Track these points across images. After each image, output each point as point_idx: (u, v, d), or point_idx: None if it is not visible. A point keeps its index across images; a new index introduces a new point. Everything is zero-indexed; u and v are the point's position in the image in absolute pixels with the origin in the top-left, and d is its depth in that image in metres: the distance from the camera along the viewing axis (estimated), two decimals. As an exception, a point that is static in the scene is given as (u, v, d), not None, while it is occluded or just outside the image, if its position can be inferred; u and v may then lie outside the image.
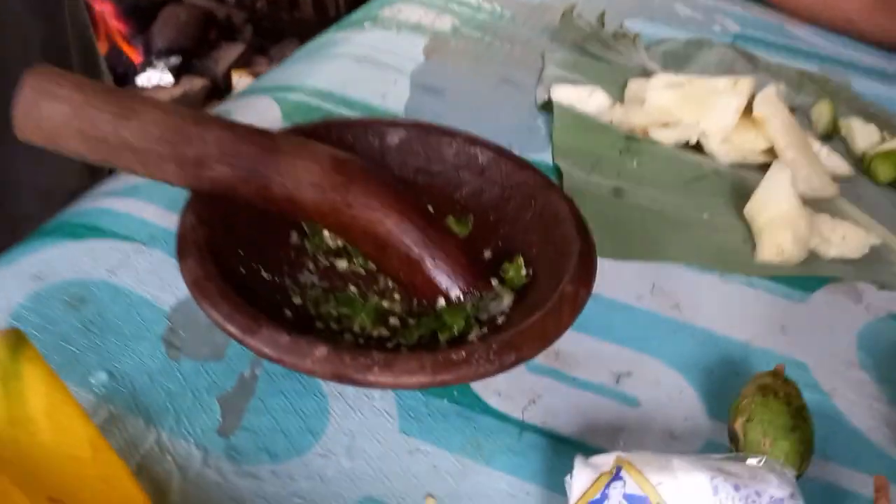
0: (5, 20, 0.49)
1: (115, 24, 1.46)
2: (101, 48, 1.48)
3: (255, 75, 1.53)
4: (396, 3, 0.63)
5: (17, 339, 0.23)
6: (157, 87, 1.43)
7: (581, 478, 0.24)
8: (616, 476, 0.23)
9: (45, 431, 0.22)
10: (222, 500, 0.25)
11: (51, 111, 0.29)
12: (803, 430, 0.27)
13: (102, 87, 0.29)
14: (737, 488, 0.22)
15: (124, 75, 1.43)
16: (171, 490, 0.25)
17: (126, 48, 1.46)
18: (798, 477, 0.27)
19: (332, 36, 0.59)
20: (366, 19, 0.60)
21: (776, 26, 0.76)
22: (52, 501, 0.21)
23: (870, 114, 0.58)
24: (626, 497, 0.23)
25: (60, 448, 0.22)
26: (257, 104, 0.46)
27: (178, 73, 1.45)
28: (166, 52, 1.45)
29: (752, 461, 0.25)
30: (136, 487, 0.22)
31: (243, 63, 1.55)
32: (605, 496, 0.23)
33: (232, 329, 0.26)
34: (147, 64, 1.44)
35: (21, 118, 0.29)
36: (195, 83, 1.45)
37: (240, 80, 1.49)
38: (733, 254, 0.40)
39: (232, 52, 1.55)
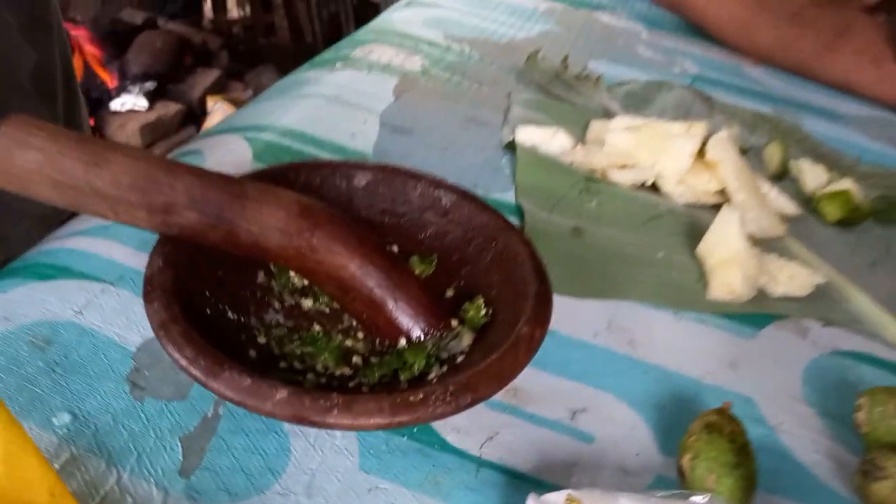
0: (1, 48, 0.50)
1: (91, 49, 1.47)
2: (77, 73, 1.49)
3: (231, 101, 1.55)
4: (368, 43, 0.65)
5: (-19, 384, 0.23)
6: (132, 112, 1.43)
7: (532, 515, 0.25)
8: (565, 514, 0.25)
9: (2, 478, 0.22)
10: (183, 541, 0.25)
11: (24, 160, 0.29)
12: (747, 466, 0.29)
13: (76, 135, 0.30)
14: (677, 525, 0.24)
15: (99, 100, 1.43)
16: (132, 531, 0.25)
17: (101, 73, 1.47)
18: (741, 512, 0.29)
19: (303, 75, 0.60)
20: (337, 59, 0.62)
21: (733, 67, 0.79)
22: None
23: (819, 154, 0.61)
24: (574, 535, 0.24)
25: (17, 495, 0.22)
26: (229, 143, 0.47)
27: (152, 98, 1.45)
28: (141, 77, 1.46)
29: (696, 499, 0.26)
30: (96, 531, 0.23)
31: (218, 88, 1.56)
32: (554, 534, 0.24)
33: (195, 372, 0.27)
34: (122, 89, 1.44)
35: (-7, 163, 0.29)
36: (170, 108, 1.45)
37: (214, 105, 1.50)
38: (686, 292, 0.42)
39: (207, 77, 1.56)
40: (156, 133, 1.36)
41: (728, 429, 0.30)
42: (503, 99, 0.60)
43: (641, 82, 0.68)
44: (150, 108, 1.42)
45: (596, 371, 0.36)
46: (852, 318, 0.42)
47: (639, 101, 0.64)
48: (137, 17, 1.61)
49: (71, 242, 0.36)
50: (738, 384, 0.36)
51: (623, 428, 0.33)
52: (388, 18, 0.73)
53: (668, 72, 0.74)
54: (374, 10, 2.07)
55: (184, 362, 0.27)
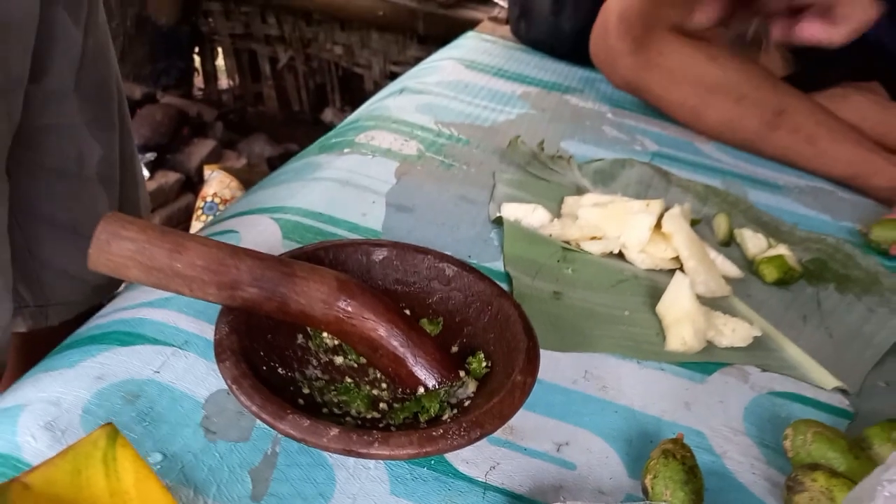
0: (69, 135, 0.58)
1: (93, 124, 1.55)
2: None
3: (226, 169, 1.63)
4: (369, 129, 0.74)
5: (112, 430, 0.31)
6: (132, 182, 1.51)
7: (530, 522, 0.33)
8: (555, 519, 0.32)
9: (134, 500, 0.30)
10: (258, 550, 0.32)
11: (119, 248, 0.37)
12: (694, 483, 0.37)
13: (159, 227, 0.38)
14: (639, 523, 0.31)
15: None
16: (219, 543, 0.32)
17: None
18: (692, 519, 0.36)
19: (315, 159, 0.69)
20: (344, 145, 0.71)
21: (687, 144, 0.90)
22: (141, 551, 0.28)
23: (761, 222, 0.71)
24: (563, 534, 0.32)
25: (146, 512, 0.29)
26: (259, 223, 0.55)
27: (153, 168, 1.53)
28: (142, 149, 1.54)
29: (655, 506, 0.34)
30: (201, 539, 0.30)
31: (214, 158, 1.65)
32: (547, 534, 0.32)
33: (265, 417, 0.34)
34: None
35: (94, 254, 0.37)
36: (170, 177, 1.53)
37: (211, 174, 1.58)
38: (648, 344, 0.50)
39: (203, 147, 1.66)
40: (157, 201, 1.44)
41: (680, 454, 0.38)
42: (489, 178, 0.69)
43: (608, 161, 0.78)
44: (151, 177, 1.50)
45: (575, 411, 0.43)
46: (785, 365, 0.51)
47: (606, 178, 0.74)
48: (136, 92, 1.71)
49: (141, 313, 0.44)
50: (691, 420, 0.44)
51: (599, 457, 0.41)
52: (385, 105, 0.83)
53: (631, 149, 0.84)
54: (359, 81, 2.20)
55: (255, 409, 0.34)
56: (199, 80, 2.35)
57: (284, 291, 0.39)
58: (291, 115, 2.13)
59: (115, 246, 0.37)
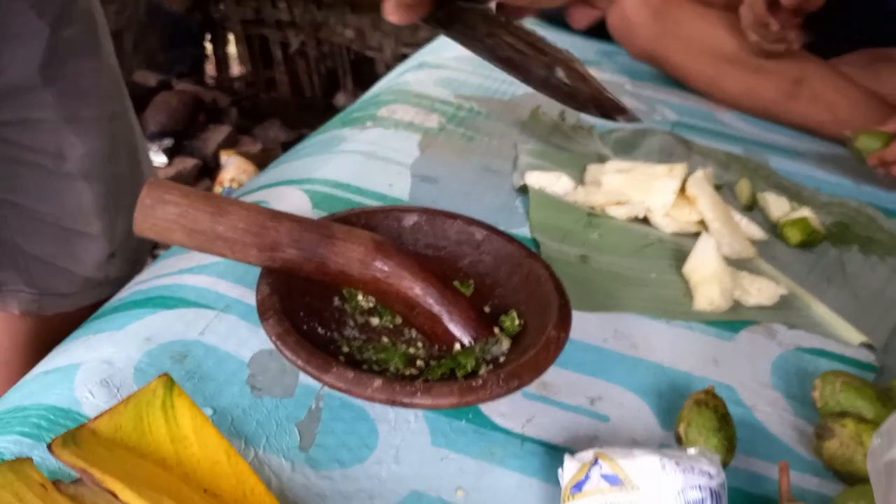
0: (44, 130, 0.57)
1: (111, 111, 1.57)
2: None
3: (242, 154, 1.65)
4: (390, 104, 0.75)
5: (168, 380, 0.32)
6: (151, 168, 1.52)
7: (570, 467, 0.34)
8: (594, 463, 0.33)
9: (195, 445, 0.31)
10: (309, 496, 0.34)
11: (164, 213, 0.38)
12: (727, 430, 0.38)
13: (202, 193, 0.39)
14: (678, 464, 0.32)
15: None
16: (272, 489, 0.33)
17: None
18: (725, 465, 0.37)
19: (338, 132, 0.70)
20: (366, 118, 0.72)
21: (707, 113, 0.90)
22: (205, 492, 0.30)
23: (783, 187, 0.72)
24: (603, 476, 0.33)
25: (206, 456, 0.31)
26: (289, 195, 0.57)
27: (170, 154, 1.55)
28: (159, 135, 1.56)
29: (690, 450, 0.35)
30: (258, 481, 0.31)
31: (230, 143, 1.67)
32: (587, 477, 0.33)
33: (311, 370, 0.35)
34: (141, 147, 1.54)
35: (140, 219, 0.38)
36: (187, 163, 1.55)
37: (228, 159, 1.60)
38: (676, 304, 0.51)
39: (219, 133, 1.67)
40: (176, 185, 1.45)
41: (712, 403, 0.39)
42: (511, 149, 0.70)
43: (628, 130, 0.78)
44: (169, 163, 1.52)
45: (607, 368, 0.44)
46: (812, 322, 0.51)
47: (627, 147, 0.75)
48: (151, 79, 1.72)
49: (182, 279, 0.45)
50: (720, 375, 0.45)
51: (631, 410, 0.42)
52: (405, 80, 0.83)
53: (650, 119, 0.85)
54: (370, 65, 2.21)
55: (301, 363, 0.36)
56: (210, 68, 2.36)
57: (323, 252, 0.40)
58: (304, 100, 2.13)
59: (159, 210, 0.39)
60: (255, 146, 1.69)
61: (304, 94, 2.24)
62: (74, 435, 0.28)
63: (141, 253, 0.70)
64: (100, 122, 0.61)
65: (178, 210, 0.39)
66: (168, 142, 1.54)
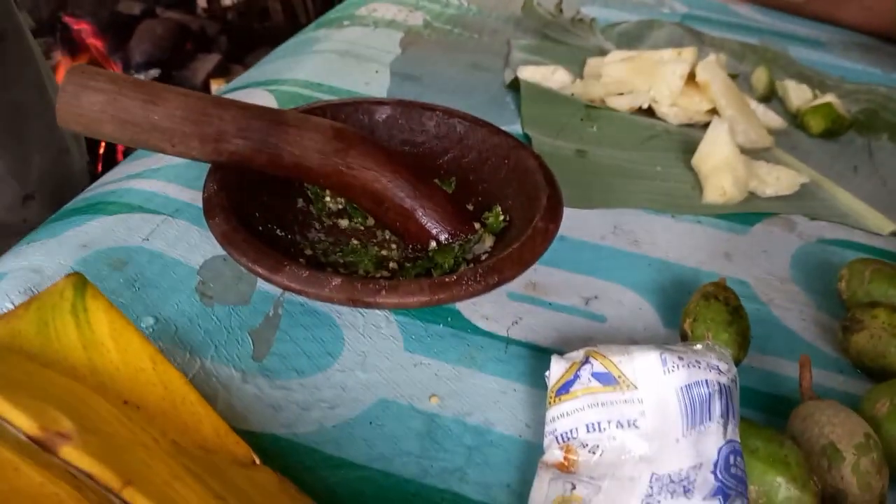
0: None
1: (94, 42, 1.50)
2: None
3: (233, 85, 1.58)
4: (371, 2, 0.68)
5: (80, 280, 0.28)
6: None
7: (557, 368, 0.30)
8: (585, 362, 0.29)
9: (113, 351, 0.27)
10: (261, 407, 0.30)
11: (89, 101, 0.33)
12: (739, 324, 0.33)
13: (132, 79, 0.34)
14: (681, 359, 0.28)
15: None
16: (217, 401, 0.29)
17: (106, 64, 1.50)
18: (738, 362, 0.33)
19: (312, 34, 0.64)
20: (343, 18, 0.65)
21: (720, 5, 0.83)
22: (125, 404, 0.26)
23: (805, 76, 0.65)
24: (594, 374, 0.28)
25: (127, 363, 0.27)
26: (254, 96, 0.51)
27: (158, 86, 1.48)
28: (145, 66, 1.49)
29: (697, 346, 0.30)
30: (191, 390, 0.27)
31: (221, 72, 1.59)
32: (577, 376, 0.28)
33: (260, 270, 0.31)
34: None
35: (63, 109, 0.33)
36: (150, 79, 1.48)
37: (219, 88, 1.53)
38: (683, 198, 0.46)
39: (208, 62, 1.59)
40: (165, 117, 1.39)
41: (723, 295, 0.34)
42: (503, 46, 0.64)
43: (633, 22, 0.71)
44: (157, 94, 1.45)
45: (604, 266, 0.40)
46: (837, 213, 0.46)
47: (631, 40, 0.68)
48: (135, 8, 1.64)
49: (128, 184, 0.41)
50: (732, 270, 0.41)
51: (630, 309, 0.37)
52: (388, -21, 0.76)
53: (658, 12, 0.77)
54: (366, -14, 2.09)
55: (248, 263, 0.31)
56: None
57: (275, 142, 0.35)
58: (298, 27, 2.03)
59: (83, 99, 0.33)
60: (247, 76, 1.62)
61: (298, 22, 2.14)
62: (-37, 341, 0.24)
63: (67, 196, 0.65)
64: None
65: (105, 97, 0.33)
66: (154, 72, 1.47)
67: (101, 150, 1.34)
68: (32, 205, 0.62)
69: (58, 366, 0.25)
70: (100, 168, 1.34)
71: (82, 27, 1.50)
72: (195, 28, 1.66)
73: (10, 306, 0.31)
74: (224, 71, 1.59)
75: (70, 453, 0.20)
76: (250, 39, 1.75)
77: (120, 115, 0.34)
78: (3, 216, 0.61)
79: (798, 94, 0.58)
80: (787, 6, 0.82)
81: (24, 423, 0.21)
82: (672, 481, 0.25)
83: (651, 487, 0.25)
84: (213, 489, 0.22)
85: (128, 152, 1.40)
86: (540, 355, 0.34)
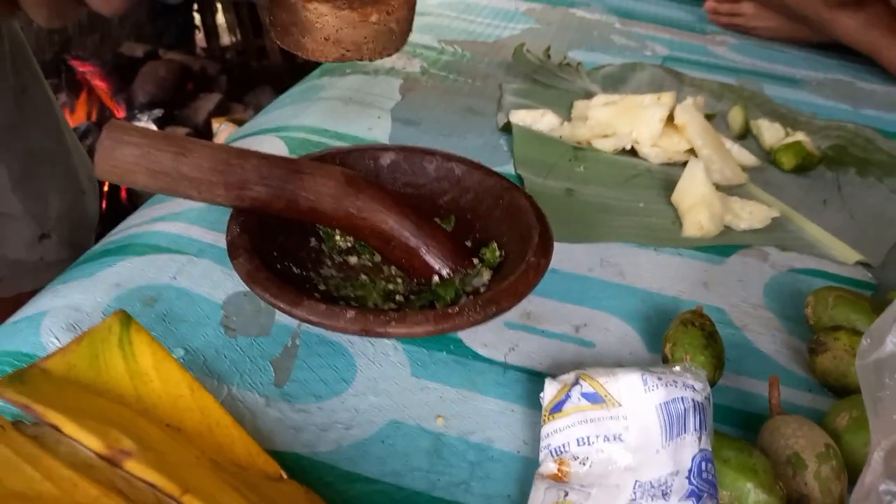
0: None
1: (99, 83, 1.55)
2: (89, 108, 1.56)
3: (234, 122, 1.63)
4: (371, 49, 0.73)
5: (125, 316, 0.31)
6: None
7: (550, 389, 0.33)
8: (575, 383, 0.32)
9: (155, 380, 0.30)
10: (284, 429, 0.33)
11: (124, 154, 0.37)
12: (714, 347, 0.37)
13: (163, 133, 0.38)
14: (660, 379, 0.31)
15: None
16: (245, 424, 0.33)
17: (110, 105, 1.55)
18: (713, 383, 0.36)
19: (317, 81, 0.68)
20: (346, 66, 0.70)
21: (700, 47, 0.88)
22: (167, 427, 0.29)
23: (778, 114, 0.69)
24: (583, 394, 0.32)
25: (167, 391, 0.30)
26: (265, 142, 0.55)
27: (161, 124, 1.53)
28: (148, 106, 1.54)
29: (675, 368, 0.34)
30: (224, 414, 0.30)
31: (221, 111, 1.65)
32: (568, 396, 0.32)
33: (282, 304, 0.34)
34: (131, 118, 1.52)
35: (101, 162, 0.37)
36: (179, 132, 1.53)
37: (220, 126, 1.58)
38: (665, 232, 0.50)
39: (209, 101, 1.65)
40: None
41: (699, 322, 0.37)
42: (495, 90, 0.68)
43: (617, 65, 0.76)
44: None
45: (592, 296, 0.43)
46: (806, 244, 0.50)
47: (616, 82, 0.72)
48: (138, 50, 1.69)
49: (155, 227, 0.44)
50: (710, 298, 0.44)
51: (617, 335, 0.41)
52: (386, 28, 0.81)
53: (641, 55, 0.82)
54: (361, 25, 2.16)
55: (271, 298, 0.35)
56: (200, 39, 2.32)
57: (292, 188, 0.39)
58: (295, 66, 2.10)
59: (119, 152, 0.37)
60: (246, 113, 1.67)
61: (295, 61, 2.20)
62: (22, 374, 0.27)
63: (82, 235, 0.69)
64: (5, 95, 0.60)
65: (139, 151, 0.37)
66: (158, 112, 1.52)
67: (106, 189, 1.38)
68: (48, 243, 0.65)
69: (108, 394, 0.28)
70: (104, 206, 1.38)
71: (88, 69, 1.55)
72: (196, 68, 1.71)
73: (55, 341, 0.35)
74: (225, 110, 1.64)
75: (134, 467, 0.23)
76: (249, 79, 1.81)
77: (152, 167, 0.37)
78: (21, 254, 0.64)
79: (771, 133, 0.63)
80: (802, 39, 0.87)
81: (93, 442, 0.24)
82: (653, 487, 0.28)
83: (635, 493, 0.28)
84: (251, 500, 0.25)
85: (130, 192, 1.43)
86: (535, 379, 0.37)
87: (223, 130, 1.55)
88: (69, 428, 0.24)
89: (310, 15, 0.38)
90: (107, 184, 1.36)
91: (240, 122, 1.63)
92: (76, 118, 1.52)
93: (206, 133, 1.59)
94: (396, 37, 0.40)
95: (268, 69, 2.08)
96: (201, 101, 1.63)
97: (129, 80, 1.61)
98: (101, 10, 0.32)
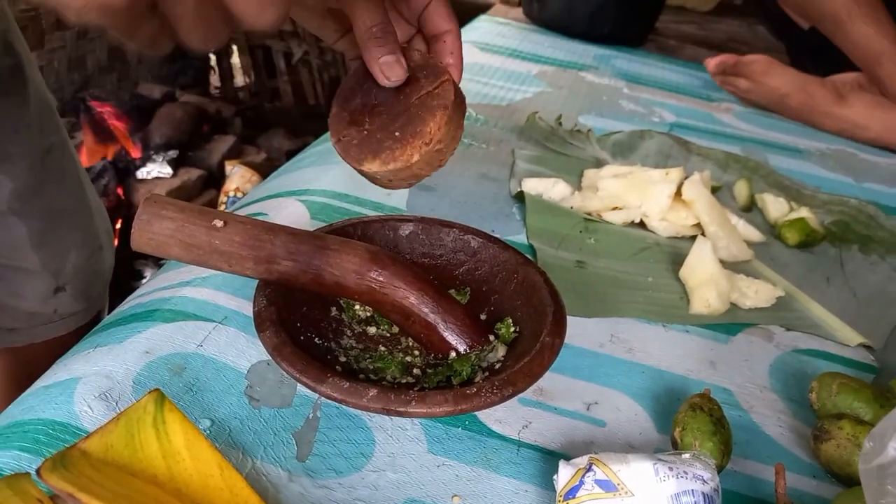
0: None
1: (116, 124, 1.58)
2: (105, 147, 1.59)
3: (247, 164, 1.66)
4: (389, 112, 0.75)
5: (160, 395, 0.32)
6: (157, 179, 1.54)
7: (564, 473, 0.34)
8: (589, 469, 0.33)
9: (187, 460, 0.31)
10: (306, 505, 0.34)
11: (161, 228, 0.39)
12: (722, 434, 0.38)
13: (198, 207, 0.40)
14: (671, 468, 0.32)
15: (126, 170, 1.54)
16: (268, 499, 0.34)
17: (127, 144, 1.58)
18: (721, 468, 0.37)
19: (337, 142, 0.71)
20: (365, 128, 0.72)
21: (705, 114, 0.91)
22: (197, 505, 0.30)
23: (783, 186, 0.72)
24: (597, 482, 0.33)
25: (199, 470, 0.31)
26: (288, 206, 0.57)
27: (175, 165, 1.56)
28: (164, 147, 1.57)
29: (685, 455, 0.35)
30: (252, 493, 0.31)
31: (234, 153, 1.68)
32: (581, 482, 0.33)
33: (307, 381, 0.36)
34: (146, 158, 1.55)
35: (137, 234, 0.39)
36: (192, 174, 1.56)
37: (233, 169, 1.61)
38: (673, 308, 0.51)
39: (223, 143, 1.68)
40: (181, 197, 1.46)
41: (708, 407, 0.39)
42: (508, 156, 0.70)
43: (626, 133, 0.78)
44: (174, 174, 1.53)
45: (603, 373, 0.45)
46: (809, 324, 0.51)
47: (625, 149, 0.75)
48: (156, 91, 1.73)
49: (181, 292, 0.46)
50: (717, 378, 0.45)
51: (628, 415, 0.42)
52: (403, 89, 0.84)
53: (649, 121, 0.85)
54: (373, 71, 2.21)
55: (296, 374, 0.36)
56: (215, 79, 2.38)
57: (319, 264, 0.40)
58: (307, 108, 2.15)
59: (156, 226, 0.39)
60: (259, 156, 1.70)
61: (307, 103, 2.25)
62: (64, 456, 0.28)
63: (96, 288, 0.70)
64: (31, 156, 0.61)
65: (174, 225, 0.39)
66: (173, 153, 1.55)
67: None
68: (63, 296, 0.67)
69: (142, 474, 0.29)
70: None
71: (106, 109, 1.59)
72: (212, 111, 1.75)
73: (88, 409, 0.36)
74: (238, 153, 1.68)
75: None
76: (263, 121, 1.85)
77: (186, 240, 0.39)
78: (36, 306, 0.66)
79: (776, 207, 0.65)
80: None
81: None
82: (664, 581, 0.29)
83: (646, 586, 0.29)
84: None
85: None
86: (548, 458, 0.38)
87: (236, 173, 1.58)
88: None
89: (367, 172, 0.44)
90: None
91: (252, 165, 1.66)
92: (92, 157, 1.55)
93: (219, 174, 1.62)
94: (446, 147, 0.43)
95: (280, 111, 2.13)
96: (215, 143, 1.67)
97: (146, 120, 1.65)
98: (256, 23, 0.30)
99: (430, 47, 0.48)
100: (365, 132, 0.44)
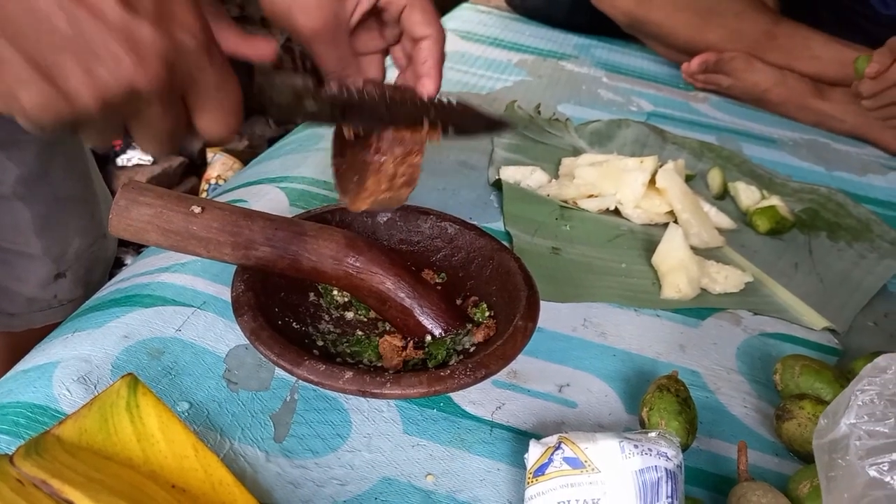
0: None
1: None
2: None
3: (228, 151, 1.65)
4: (369, 100, 0.76)
5: (133, 379, 0.33)
6: (138, 166, 1.52)
7: (534, 452, 0.35)
8: (558, 447, 0.34)
9: (161, 442, 0.32)
10: (283, 484, 0.35)
11: (139, 214, 0.39)
12: (688, 413, 0.39)
13: (176, 194, 0.40)
14: (636, 446, 0.33)
15: (106, 157, 1.52)
16: (245, 479, 0.34)
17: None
18: (686, 447, 0.39)
19: (316, 130, 0.71)
20: (345, 115, 0.73)
21: (682, 103, 0.92)
22: (173, 487, 0.31)
23: (756, 175, 0.73)
24: (565, 459, 0.34)
25: (173, 452, 0.32)
26: (267, 193, 0.57)
27: (155, 152, 1.54)
28: (144, 134, 1.55)
29: (651, 434, 0.36)
30: (227, 473, 0.32)
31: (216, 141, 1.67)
32: (550, 460, 0.34)
33: (284, 364, 0.36)
34: (127, 145, 1.54)
35: (115, 220, 0.39)
36: (173, 161, 1.55)
37: (214, 156, 1.60)
38: (645, 293, 0.52)
39: (204, 130, 1.67)
40: (161, 184, 1.45)
41: (674, 388, 0.40)
42: (487, 144, 0.71)
43: (604, 122, 0.79)
44: (155, 162, 1.52)
45: (575, 356, 0.46)
46: (777, 308, 0.53)
47: (602, 138, 0.76)
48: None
49: (160, 277, 0.46)
50: (685, 361, 0.47)
51: (598, 396, 0.43)
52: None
53: (627, 110, 0.86)
54: (356, 58, 2.20)
55: (274, 357, 0.37)
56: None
57: (296, 249, 0.41)
58: (290, 95, 2.12)
59: (134, 212, 0.39)
60: (240, 143, 1.69)
61: (289, 90, 2.22)
62: (38, 442, 0.29)
63: (96, 274, 0.70)
64: (39, 143, 0.61)
65: (152, 211, 0.39)
66: (153, 140, 1.54)
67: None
68: (63, 282, 0.67)
69: (117, 457, 0.30)
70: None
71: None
72: (193, 97, 1.73)
73: (66, 392, 0.36)
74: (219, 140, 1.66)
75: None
76: (244, 108, 1.83)
77: (164, 226, 0.40)
78: (36, 292, 0.66)
79: (748, 195, 0.66)
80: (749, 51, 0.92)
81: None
82: (627, 552, 0.30)
83: (610, 557, 0.30)
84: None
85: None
86: (520, 438, 0.39)
87: (217, 160, 1.57)
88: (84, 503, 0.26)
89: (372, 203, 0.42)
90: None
91: (234, 152, 1.65)
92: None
93: (200, 162, 1.60)
94: (397, 196, 0.43)
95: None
96: (196, 130, 1.65)
97: (126, 106, 1.63)
98: (214, 136, 0.33)
99: (412, 51, 0.48)
100: (344, 166, 0.45)
